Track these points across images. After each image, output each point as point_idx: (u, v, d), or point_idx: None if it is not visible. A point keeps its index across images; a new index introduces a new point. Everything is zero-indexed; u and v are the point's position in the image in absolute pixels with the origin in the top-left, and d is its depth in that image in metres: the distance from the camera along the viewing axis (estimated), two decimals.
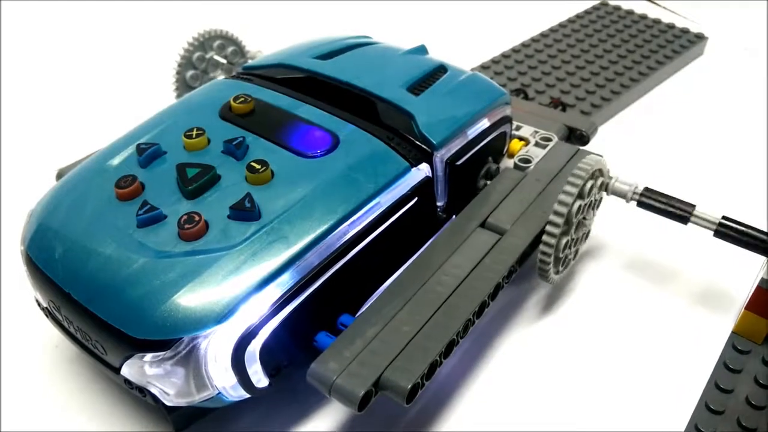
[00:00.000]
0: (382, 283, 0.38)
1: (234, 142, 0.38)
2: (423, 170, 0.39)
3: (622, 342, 0.43)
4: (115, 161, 0.38)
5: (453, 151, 0.41)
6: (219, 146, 0.38)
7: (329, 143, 0.38)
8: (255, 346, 0.32)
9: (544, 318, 0.44)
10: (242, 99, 0.41)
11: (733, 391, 0.37)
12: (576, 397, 0.39)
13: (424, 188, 0.39)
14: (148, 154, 0.38)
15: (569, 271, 0.47)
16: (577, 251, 0.45)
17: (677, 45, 0.72)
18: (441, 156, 0.41)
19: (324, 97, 0.43)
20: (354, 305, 0.37)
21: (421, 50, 0.50)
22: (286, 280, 0.33)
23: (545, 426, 0.38)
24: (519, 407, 0.39)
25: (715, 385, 0.37)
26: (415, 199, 0.39)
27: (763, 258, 0.41)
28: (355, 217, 0.35)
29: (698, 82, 0.70)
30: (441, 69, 0.47)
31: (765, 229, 0.41)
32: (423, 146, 0.40)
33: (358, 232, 0.36)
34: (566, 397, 0.39)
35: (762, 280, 0.37)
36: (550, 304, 0.45)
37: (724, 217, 0.42)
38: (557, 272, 0.43)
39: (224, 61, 0.60)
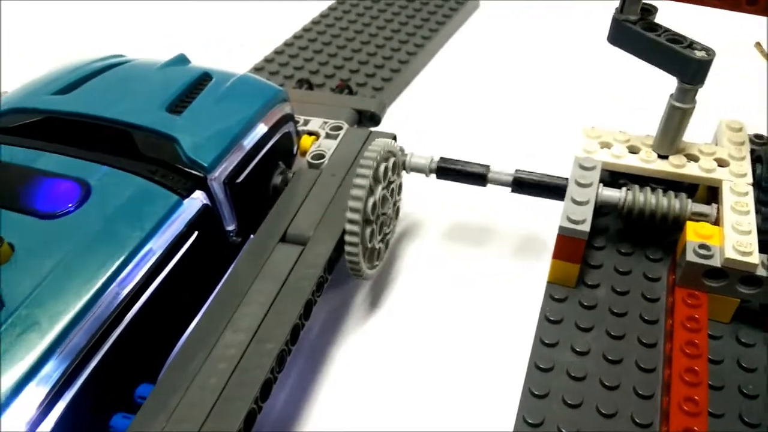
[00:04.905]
0: (183, 334, 0.34)
1: None
2: (198, 199, 0.35)
3: (453, 315, 0.42)
4: None
5: (230, 168, 0.37)
6: None
7: (78, 194, 0.33)
8: None
9: (374, 313, 0.43)
10: None
11: (557, 343, 0.37)
12: (420, 381, 0.38)
13: (204, 218, 0.35)
14: None
15: (385, 261, 0.45)
16: (387, 242, 0.43)
17: (453, 2, 0.73)
18: (217, 178, 0.36)
19: (69, 139, 0.37)
20: (153, 370, 0.33)
21: (181, 60, 0.45)
22: (49, 373, 0.28)
23: (397, 421, 0.36)
24: (367, 412, 0.37)
25: (540, 341, 0.37)
26: (196, 233, 0.34)
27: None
28: (123, 275, 0.31)
29: (478, 37, 0.71)
30: (205, 77, 0.43)
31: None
32: (193, 172, 0.36)
33: (132, 290, 0.31)
34: (411, 383, 0.38)
35: (560, 227, 0.38)
36: (377, 297, 0.44)
37: (516, 171, 0.42)
38: (372, 267, 0.41)
39: None
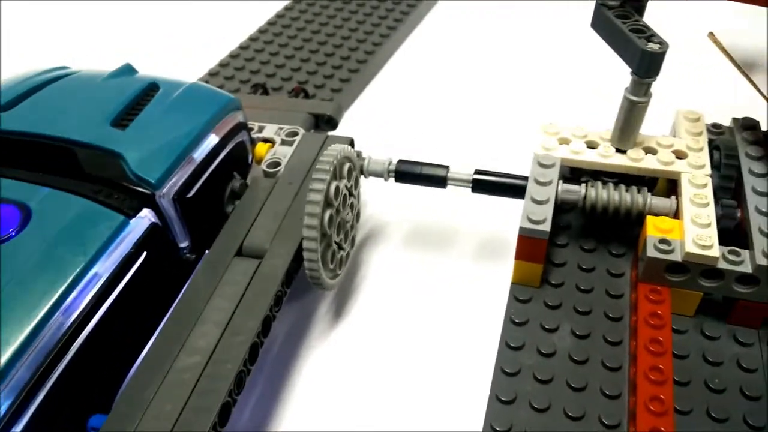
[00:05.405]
0: (137, 359, 0.33)
1: None
2: (146, 217, 0.34)
3: (418, 321, 0.41)
4: None
5: (180, 183, 0.36)
6: None
7: (17, 219, 0.31)
8: None
9: (338, 324, 0.42)
10: None
11: (523, 346, 0.36)
12: (387, 390, 0.38)
13: (153, 237, 0.34)
14: None
15: (348, 269, 0.44)
16: (353, 239, 0.42)
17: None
18: (165, 194, 0.35)
19: (9, 159, 0.36)
20: (106, 399, 0.31)
21: (127, 70, 0.43)
22: None
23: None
24: (335, 424, 0.36)
25: (506, 344, 0.36)
26: (145, 253, 0.33)
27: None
28: (68, 302, 0.29)
29: (436, 35, 0.70)
30: (152, 88, 0.41)
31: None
32: (140, 189, 0.34)
33: (78, 317, 0.29)
34: (378, 393, 0.38)
35: (520, 228, 0.37)
36: (340, 307, 0.43)
37: (476, 171, 0.42)
38: (334, 276, 0.40)
39: None
